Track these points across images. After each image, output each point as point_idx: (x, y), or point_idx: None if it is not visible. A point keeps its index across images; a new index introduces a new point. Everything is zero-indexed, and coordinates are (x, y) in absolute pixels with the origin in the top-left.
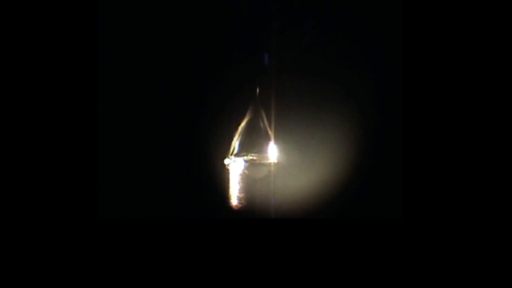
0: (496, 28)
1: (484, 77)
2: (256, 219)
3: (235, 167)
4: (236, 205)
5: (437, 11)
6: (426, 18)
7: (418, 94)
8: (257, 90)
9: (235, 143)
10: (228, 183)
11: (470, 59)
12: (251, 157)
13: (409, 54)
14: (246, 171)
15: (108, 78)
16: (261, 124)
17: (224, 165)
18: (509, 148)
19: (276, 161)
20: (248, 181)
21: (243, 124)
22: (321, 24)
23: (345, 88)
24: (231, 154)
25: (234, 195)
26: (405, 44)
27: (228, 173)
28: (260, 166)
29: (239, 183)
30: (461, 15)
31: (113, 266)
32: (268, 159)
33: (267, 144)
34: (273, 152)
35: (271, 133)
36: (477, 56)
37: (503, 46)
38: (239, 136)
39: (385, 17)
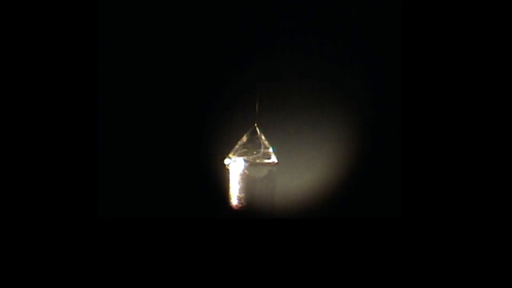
0: (496, 29)
1: (483, 77)
2: (256, 219)
3: (235, 167)
4: (236, 205)
5: (437, 12)
6: (426, 18)
7: (418, 94)
8: (257, 90)
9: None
10: (228, 183)
11: (470, 59)
12: (252, 157)
13: (409, 55)
14: (246, 171)
15: (109, 79)
16: (262, 138)
17: (224, 165)
18: (509, 148)
19: (276, 161)
20: (248, 181)
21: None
22: (321, 25)
23: (346, 89)
24: (232, 154)
25: (234, 195)
26: (405, 45)
27: (228, 173)
28: (260, 166)
29: (239, 183)
30: (461, 16)
31: (113, 266)
32: (268, 159)
33: (266, 146)
34: (273, 152)
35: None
36: (477, 56)
37: (503, 48)
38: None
39: (385, 17)
